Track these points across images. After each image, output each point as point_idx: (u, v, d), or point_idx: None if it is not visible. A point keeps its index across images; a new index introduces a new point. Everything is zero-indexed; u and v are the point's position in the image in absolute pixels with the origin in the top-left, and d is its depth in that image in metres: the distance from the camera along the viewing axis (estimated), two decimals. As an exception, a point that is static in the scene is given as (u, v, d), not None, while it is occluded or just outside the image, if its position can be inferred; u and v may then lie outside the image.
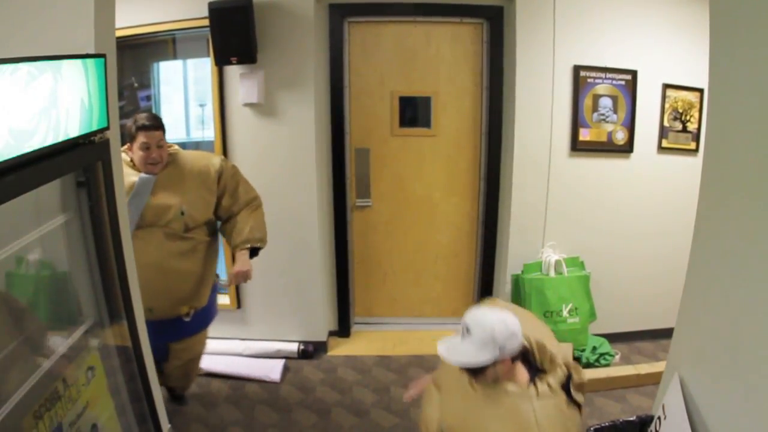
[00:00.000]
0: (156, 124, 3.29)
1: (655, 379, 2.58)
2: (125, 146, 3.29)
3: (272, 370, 4.48)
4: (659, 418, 2.01)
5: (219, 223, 3.68)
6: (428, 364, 4.72)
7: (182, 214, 3.36)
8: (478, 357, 2.05)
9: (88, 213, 1.99)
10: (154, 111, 5.18)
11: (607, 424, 2.15)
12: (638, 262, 4.85)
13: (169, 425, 2.42)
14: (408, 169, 4.92)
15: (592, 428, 2.10)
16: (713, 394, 2.02)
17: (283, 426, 3.93)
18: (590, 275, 4.65)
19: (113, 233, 2.05)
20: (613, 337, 4.82)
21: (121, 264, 2.13)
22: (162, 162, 3.33)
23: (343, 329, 5.13)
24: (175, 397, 4.07)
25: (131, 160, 3.30)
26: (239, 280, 3.49)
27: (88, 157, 1.92)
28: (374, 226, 5.03)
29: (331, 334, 5.07)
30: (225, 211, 3.57)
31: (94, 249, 2.04)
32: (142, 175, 3.27)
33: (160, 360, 3.60)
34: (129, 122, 3.30)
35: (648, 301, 4.85)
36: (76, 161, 1.87)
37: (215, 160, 3.57)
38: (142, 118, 3.29)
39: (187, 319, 3.52)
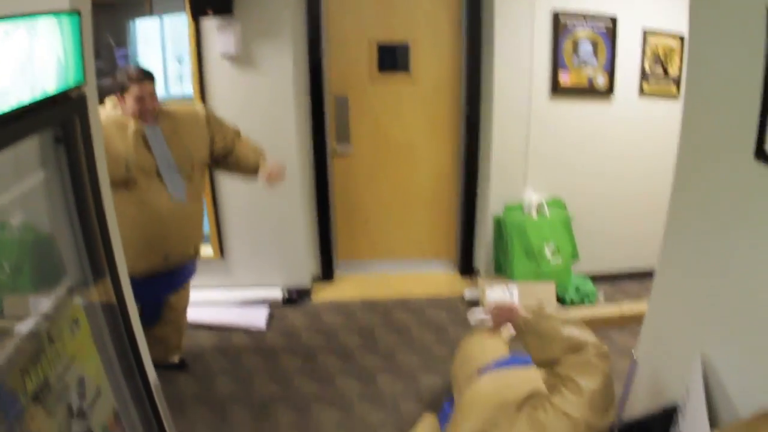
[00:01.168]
0: (149, 76, 3.29)
1: (639, 318, 2.63)
2: (114, 98, 3.32)
3: (257, 319, 4.54)
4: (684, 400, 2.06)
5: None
6: (413, 306, 4.80)
7: (191, 155, 3.45)
8: None
9: (68, 169, 1.99)
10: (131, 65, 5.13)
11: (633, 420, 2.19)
12: (620, 203, 4.91)
13: (156, 378, 2.45)
14: (387, 115, 4.93)
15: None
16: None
17: (270, 372, 3.99)
18: (572, 216, 4.71)
19: (93, 189, 2.05)
20: (596, 277, 4.91)
21: (102, 220, 2.13)
22: (156, 112, 3.34)
23: (326, 274, 5.18)
24: (176, 365, 4.03)
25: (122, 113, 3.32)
26: (277, 177, 3.64)
27: (65, 112, 1.91)
28: (355, 172, 5.05)
29: (315, 279, 5.12)
30: (222, 149, 3.64)
31: (74, 206, 2.05)
32: (148, 131, 3.30)
33: (152, 322, 3.68)
34: (119, 74, 3.29)
35: (631, 241, 4.93)
36: (54, 117, 1.86)
37: (198, 107, 3.64)
38: (134, 70, 3.29)
39: (194, 261, 3.66)
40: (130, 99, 3.26)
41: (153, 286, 3.55)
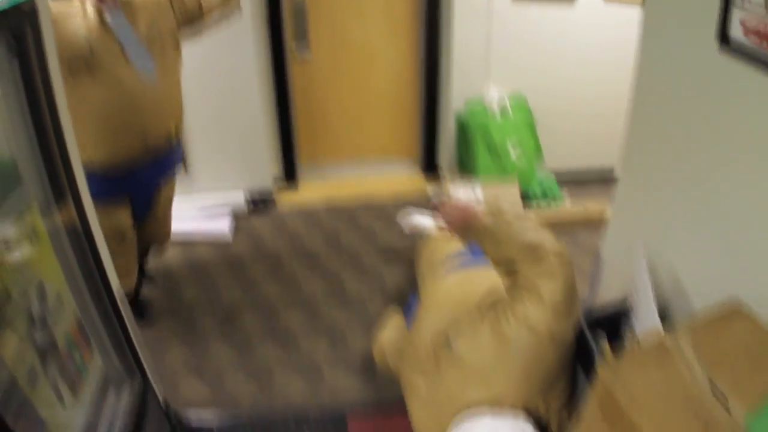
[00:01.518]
0: None
1: (604, 218, 2.62)
2: None
3: (222, 228, 4.48)
4: (633, 292, 2.04)
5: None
6: (376, 206, 4.78)
7: (153, 26, 3.19)
8: None
9: (22, 83, 1.88)
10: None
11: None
12: (583, 102, 4.82)
13: (119, 288, 2.39)
14: (346, 16, 4.76)
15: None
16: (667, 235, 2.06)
17: (237, 280, 3.97)
18: (535, 115, 4.64)
19: (49, 103, 1.96)
20: (561, 177, 4.87)
21: (60, 134, 2.04)
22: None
23: (289, 180, 5.10)
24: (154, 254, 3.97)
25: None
26: None
27: (16, 23, 1.80)
28: (315, 75, 4.92)
29: (278, 181, 5.04)
30: (190, 11, 3.43)
31: (30, 122, 1.95)
32: (108, 17, 3.02)
33: (143, 215, 3.52)
34: None
35: (595, 142, 4.88)
36: (5, 28, 1.77)
37: None
38: None
39: (175, 142, 3.42)
40: None
41: (139, 176, 3.34)
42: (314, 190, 5.10)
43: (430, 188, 4.92)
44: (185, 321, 3.63)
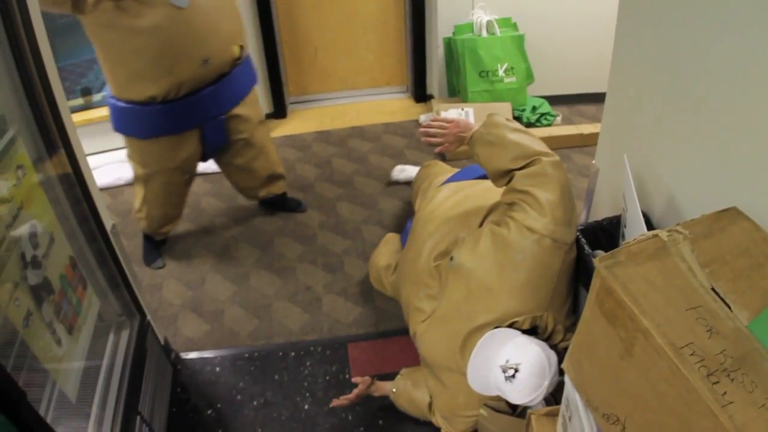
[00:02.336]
0: None
1: (597, 138, 2.59)
2: None
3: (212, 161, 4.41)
4: (623, 209, 2.02)
5: None
6: (368, 134, 4.74)
7: None
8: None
9: (4, 32, 1.83)
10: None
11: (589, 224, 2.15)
12: (574, 25, 4.71)
13: (112, 223, 2.37)
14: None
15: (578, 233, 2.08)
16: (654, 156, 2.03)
17: (230, 214, 3.97)
18: (524, 36, 4.56)
19: (32, 49, 1.91)
20: (553, 100, 4.81)
21: (47, 85, 1.99)
22: None
23: (278, 110, 5.03)
24: (289, 205, 3.93)
25: None
26: None
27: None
28: (298, 3, 4.81)
29: (267, 116, 4.97)
30: None
31: (16, 72, 1.90)
32: None
33: (218, 146, 3.42)
34: None
35: (587, 64, 4.78)
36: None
37: None
38: None
39: (240, 61, 3.26)
40: None
41: (205, 101, 3.20)
42: (304, 119, 5.04)
43: (421, 114, 4.87)
44: (181, 255, 3.64)
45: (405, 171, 4.00)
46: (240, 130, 3.41)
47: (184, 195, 3.55)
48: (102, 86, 5.08)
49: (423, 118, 4.79)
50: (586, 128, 4.46)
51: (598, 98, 4.68)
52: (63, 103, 2.10)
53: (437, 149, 2.39)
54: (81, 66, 5.36)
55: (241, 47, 3.25)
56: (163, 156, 3.26)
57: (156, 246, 3.68)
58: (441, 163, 3.38)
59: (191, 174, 3.45)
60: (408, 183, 3.89)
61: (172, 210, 3.56)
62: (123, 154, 4.09)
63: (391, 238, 3.08)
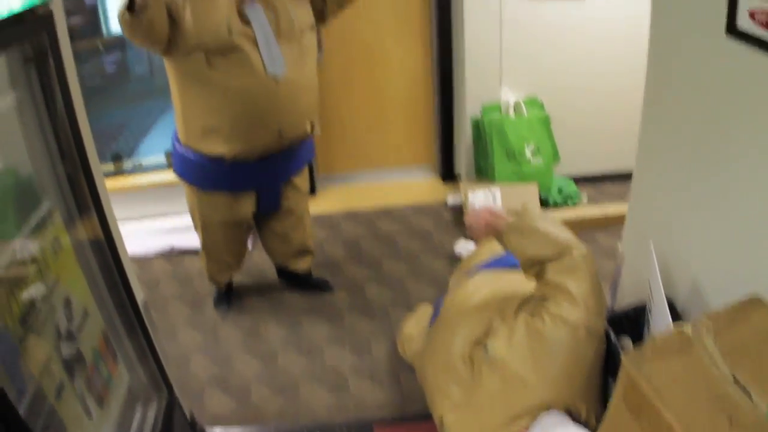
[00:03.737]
0: None
1: (623, 219, 2.62)
2: None
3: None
4: (649, 297, 2.04)
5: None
6: (395, 215, 4.77)
7: (293, 19, 3.12)
8: None
9: (40, 92, 1.90)
10: (98, 3, 4.98)
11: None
12: (599, 102, 4.78)
13: (143, 297, 2.41)
14: (357, 19, 4.74)
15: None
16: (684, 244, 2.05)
17: (259, 289, 3.98)
18: (550, 116, 4.63)
19: (68, 111, 1.97)
20: (579, 179, 4.84)
21: (81, 149, 2.06)
22: None
23: (309, 188, 5.09)
24: (314, 284, 3.96)
25: None
26: None
27: (32, 29, 1.82)
28: (329, 81, 4.90)
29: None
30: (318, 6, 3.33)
31: (51, 131, 1.97)
32: (247, 8, 3.00)
33: (271, 209, 3.52)
34: None
35: (612, 141, 4.82)
36: (21, 35, 1.78)
37: None
38: None
39: (311, 136, 3.38)
40: None
41: (269, 169, 3.31)
42: (332, 197, 5.09)
43: (448, 195, 4.91)
44: (208, 330, 3.65)
45: (467, 245, 4.04)
46: (288, 197, 3.52)
47: (240, 244, 3.65)
48: (132, 152, 5.19)
49: (451, 201, 4.83)
50: (611, 208, 4.45)
51: (622, 177, 4.70)
52: (97, 169, 2.16)
53: (475, 238, 2.47)
54: (112, 129, 5.47)
55: (312, 124, 3.34)
56: (218, 209, 3.37)
57: (225, 293, 3.83)
58: (493, 245, 3.38)
59: (246, 228, 3.57)
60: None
61: (229, 258, 3.66)
62: (153, 223, 4.19)
63: (424, 311, 3.10)
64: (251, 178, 3.30)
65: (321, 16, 3.36)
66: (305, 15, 3.21)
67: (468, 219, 2.47)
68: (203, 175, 3.28)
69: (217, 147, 3.13)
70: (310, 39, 3.26)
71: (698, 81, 1.90)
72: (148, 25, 2.76)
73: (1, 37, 1.66)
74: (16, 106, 1.86)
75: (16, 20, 1.70)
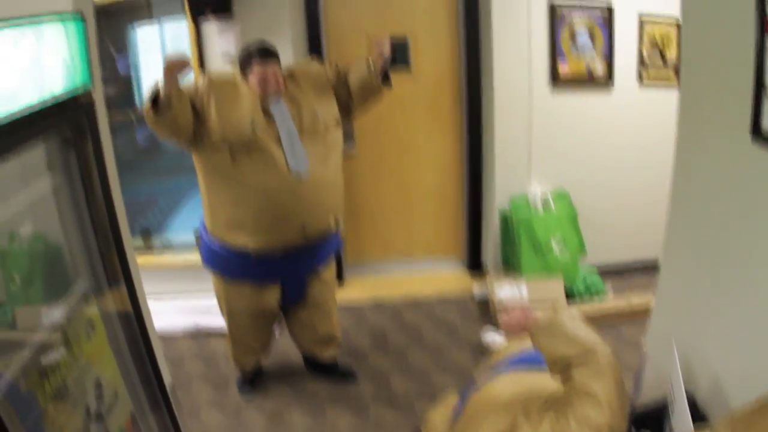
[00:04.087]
0: (273, 54, 3.18)
1: (648, 311, 2.63)
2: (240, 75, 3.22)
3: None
4: (670, 395, 2.06)
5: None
6: (422, 306, 4.79)
7: (317, 115, 3.22)
8: None
9: (78, 173, 1.99)
10: (132, 74, 5.14)
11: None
12: (625, 194, 4.87)
13: (171, 380, 2.45)
14: (390, 111, 4.89)
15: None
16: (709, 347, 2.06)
17: (283, 376, 3.98)
18: (577, 209, 4.69)
19: (104, 191, 2.05)
20: (604, 270, 4.86)
21: (115, 223, 2.13)
22: (277, 89, 3.16)
23: (336, 276, 5.13)
24: (339, 372, 3.96)
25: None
26: (382, 47, 3.21)
27: (73, 115, 1.91)
28: (360, 170, 5.03)
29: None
30: (342, 91, 3.39)
31: (86, 210, 2.04)
32: (272, 106, 3.14)
33: (295, 301, 3.59)
34: (241, 53, 3.24)
35: (637, 233, 4.88)
36: (62, 120, 1.87)
37: (312, 62, 3.52)
38: (256, 47, 3.18)
39: (334, 232, 3.45)
40: (253, 78, 3.13)
41: (293, 262, 3.37)
42: (359, 286, 5.14)
43: (475, 286, 4.93)
44: (231, 414, 3.65)
45: (495, 337, 4.05)
46: (314, 288, 3.58)
47: (266, 332, 3.70)
48: (161, 228, 5.26)
49: (477, 293, 4.85)
50: (636, 300, 4.44)
51: (647, 267, 4.73)
52: (129, 247, 2.23)
53: (505, 333, 2.51)
54: (141, 203, 5.55)
55: (336, 219, 3.42)
56: (244, 298, 3.44)
57: (250, 378, 3.85)
58: (523, 341, 3.41)
59: (272, 316, 3.60)
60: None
61: (255, 344, 3.70)
62: (179, 301, 4.25)
63: (449, 401, 3.09)
64: (276, 270, 3.38)
65: (347, 110, 3.45)
66: (330, 111, 3.31)
67: (502, 317, 2.51)
68: (229, 265, 3.37)
69: (242, 240, 3.23)
70: (335, 135, 3.35)
71: (723, 181, 1.94)
72: (171, 120, 2.90)
73: (44, 123, 1.74)
74: (54, 186, 1.94)
75: (59, 107, 1.80)
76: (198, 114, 3.06)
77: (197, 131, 3.08)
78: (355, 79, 3.33)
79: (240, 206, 3.17)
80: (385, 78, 3.32)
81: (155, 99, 2.85)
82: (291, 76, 3.30)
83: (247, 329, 3.60)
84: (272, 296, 3.46)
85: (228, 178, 3.13)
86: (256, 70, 3.12)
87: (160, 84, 2.81)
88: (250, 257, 3.26)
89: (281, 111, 3.15)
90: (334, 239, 3.54)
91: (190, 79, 3.10)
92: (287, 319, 3.75)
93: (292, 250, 3.30)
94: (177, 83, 2.84)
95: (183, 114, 2.94)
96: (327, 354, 3.85)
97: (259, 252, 3.24)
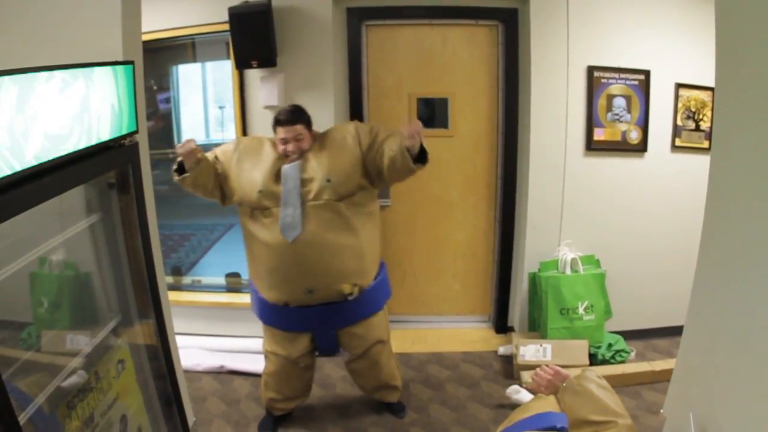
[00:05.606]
0: (293, 119, 3.36)
1: (669, 375, 2.63)
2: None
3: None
4: None
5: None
6: (446, 361, 4.79)
7: (328, 182, 3.32)
8: None
9: (119, 214, 2.07)
10: (173, 112, 5.27)
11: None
12: (653, 260, 4.87)
13: (194, 419, 2.49)
14: (426, 168, 4.94)
15: None
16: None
17: (304, 423, 4.00)
18: (605, 273, 4.69)
19: (143, 232, 2.13)
20: (628, 334, 4.83)
21: (150, 263, 2.20)
22: (297, 153, 3.37)
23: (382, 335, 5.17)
24: (391, 408, 4.12)
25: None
26: (414, 135, 3.23)
27: (118, 159, 2.00)
28: (394, 225, 5.09)
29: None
30: (373, 163, 3.45)
31: (124, 249, 2.12)
32: (285, 166, 3.35)
33: (330, 352, 3.76)
34: (275, 113, 3.45)
35: (663, 298, 4.86)
36: (108, 163, 1.96)
37: (350, 126, 3.57)
38: (282, 112, 3.40)
39: (350, 298, 3.47)
40: (277, 139, 3.38)
41: (315, 316, 3.47)
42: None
43: (500, 347, 4.92)
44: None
45: (519, 393, 4.06)
46: (353, 346, 3.67)
47: (300, 380, 3.78)
48: (192, 267, 5.32)
49: (502, 351, 4.85)
50: (658, 365, 4.44)
51: (671, 332, 4.72)
52: (163, 286, 2.30)
53: (535, 391, 2.58)
54: (174, 241, 5.61)
55: (356, 286, 3.48)
56: (278, 343, 3.56)
57: (273, 420, 3.90)
58: (546, 402, 3.39)
59: (305, 365, 3.69)
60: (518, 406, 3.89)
61: (289, 391, 3.78)
62: (206, 340, 4.31)
63: None
64: (299, 322, 3.51)
65: (380, 177, 3.48)
66: (349, 180, 3.39)
67: (534, 373, 2.56)
68: (261, 309, 3.55)
69: (262, 289, 3.48)
70: (356, 202, 3.44)
71: (750, 257, 1.95)
72: (193, 184, 3.27)
73: (91, 166, 1.83)
74: (94, 225, 2.02)
75: (105, 149, 1.88)
76: (225, 175, 3.39)
77: (224, 190, 3.41)
78: (387, 154, 3.36)
79: (256, 260, 3.44)
80: (422, 156, 3.35)
81: (179, 168, 3.23)
82: (320, 139, 3.48)
83: (280, 375, 3.69)
84: (302, 345, 3.56)
85: (248, 232, 3.42)
86: (278, 132, 3.36)
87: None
88: (271, 305, 3.44)
89: (288, 175, 3.33)
90: (364, 301, 3.58)
91: (227, 140, 3.49)
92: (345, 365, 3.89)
93: (311, 307, 3.44)
94: (193, 158, 3.17)
95: (202, 179, 3.28)
96: (388, 398, 4.04)
97: (276, 304, 3.43)
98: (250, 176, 3.33)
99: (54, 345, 1.90)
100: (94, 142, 1.80)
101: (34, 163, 1.55)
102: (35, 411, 1.59)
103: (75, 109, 1.74)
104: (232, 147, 3.48)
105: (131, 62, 2.04)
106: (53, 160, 1.62)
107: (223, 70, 4.82)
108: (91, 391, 1.83)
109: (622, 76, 4.55)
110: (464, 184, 5.08)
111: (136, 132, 2.08)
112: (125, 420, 1.97)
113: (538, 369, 2.59)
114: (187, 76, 5.43)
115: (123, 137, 1.99)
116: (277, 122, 3.36)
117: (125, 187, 2.06)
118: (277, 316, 3.50)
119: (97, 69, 1.84)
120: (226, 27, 4.21)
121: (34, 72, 1.56)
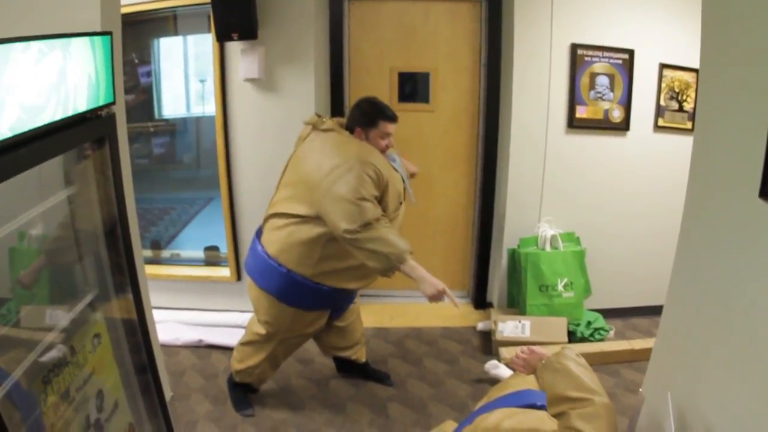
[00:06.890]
0: (397, 117, 3.50)
1: (649, 354, 2.66)
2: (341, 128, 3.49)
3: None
4: None
5: None
6: (425, 336, 4.81)
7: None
8: None
9: (95, 186, 2.04)
10: (154, 86, 5.22)
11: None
12: (633, 239, 4.90)
13: (171, 394, 2.48)
14: (406, 144, 4.92)
15: None
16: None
17: (282, 397, 4.01)
18: (585, 251, 4.72)
19: (119, 205, 2.10)
20: (608, 313, 4.87)
21: (127, 236, 2.18)
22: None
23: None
24: (379, 377, 4.23)
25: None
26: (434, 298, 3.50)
27: (95, 130, 1.97)
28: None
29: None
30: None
31: (100, 222, 2.09)
32: (390, 160, 3.55)
33: (338, 316, 3.86)
34: (372, 109, 3.46)
35: (643, 277, 4.91)
36: (84, 135, 1.93)
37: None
38: (388, 108, 3.48)
39: None
40: (378, 133, 3.44)
41: (354, 294, 3.90)
42: (364, 312, 5.05)
43: (479, 322, 4.94)
44: (227, 430, 3.68)
45: (498, 369, 4.11)
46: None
47: (290, 351, 3.86)
48: (170, 241, 5.29)
49: (480, 326, 4.86)
50: (638, 344, 4.47)
51: (652, 311, 4.76)
52: (139, 259, 2.27)
53: (515, 369, 2.62)
54: (153, 214, 5.57)
55: None
56: (298, 324, 3.61)
57: (246, 394, 3.91)
58: (526, 379, 3.42)
59: (307, 337, 3.81)
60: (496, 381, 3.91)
61: (281, 361, 3.86)
62: (184, 314, 4.30)
63: (448, 428, 3.11)
64: (336, 301, 3.70)
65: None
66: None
67: (510, 360, 2.60)
68: (313, 297, 3.51)
69: (340, 283, 3.54)
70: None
71: (730, 235, 1.96)
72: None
73: (67, 137, 1.80)
74: (69, 198, 1.99)
75: (82, 121, 1.85)
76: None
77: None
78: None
79: (346, 258, 3.45)
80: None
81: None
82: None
83: (285, 355, 3.81)
84: (323, 319, 3.70)
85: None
86: (385, 128, 3.45)
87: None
88: (326, 292, 3.48)
89: (396, 161, 3.63)
90: None
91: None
92: (325, 328, 3.86)
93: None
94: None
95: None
96: (359, 356, 4.14)
97: (338, 289, 3.53)
98: (395, 189, 3.51)
99: (32, 320, 1.87)
100: (70, 113, 1.77)
101: (9, 135, 1.52)
102: (13, 385, 1.57)
103: (52, 80, 1.71)
104: (382, 179, 3.38)
105: (109, 33, 2.01)
106: (29, 131, 1.59)
107: (204, 43, 4.75)
108: (66, 366, 1.81)
109: (606, 54, 4.55)
110: (445, 160, 5.07)
111: (113, 103, 2.04)
112: (101, 395, 1.95)
113: (514, 355, 2.63)
114: (169, 49, 5.37)
115: (100, 108, 1.96)
116: (388, 118, 3.43)
117: (102, 158, 2.03)
118: (330, 300, 3.59)
119: (74, 40, 1.80)
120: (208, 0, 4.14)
121: (10, 43, 1.53)
